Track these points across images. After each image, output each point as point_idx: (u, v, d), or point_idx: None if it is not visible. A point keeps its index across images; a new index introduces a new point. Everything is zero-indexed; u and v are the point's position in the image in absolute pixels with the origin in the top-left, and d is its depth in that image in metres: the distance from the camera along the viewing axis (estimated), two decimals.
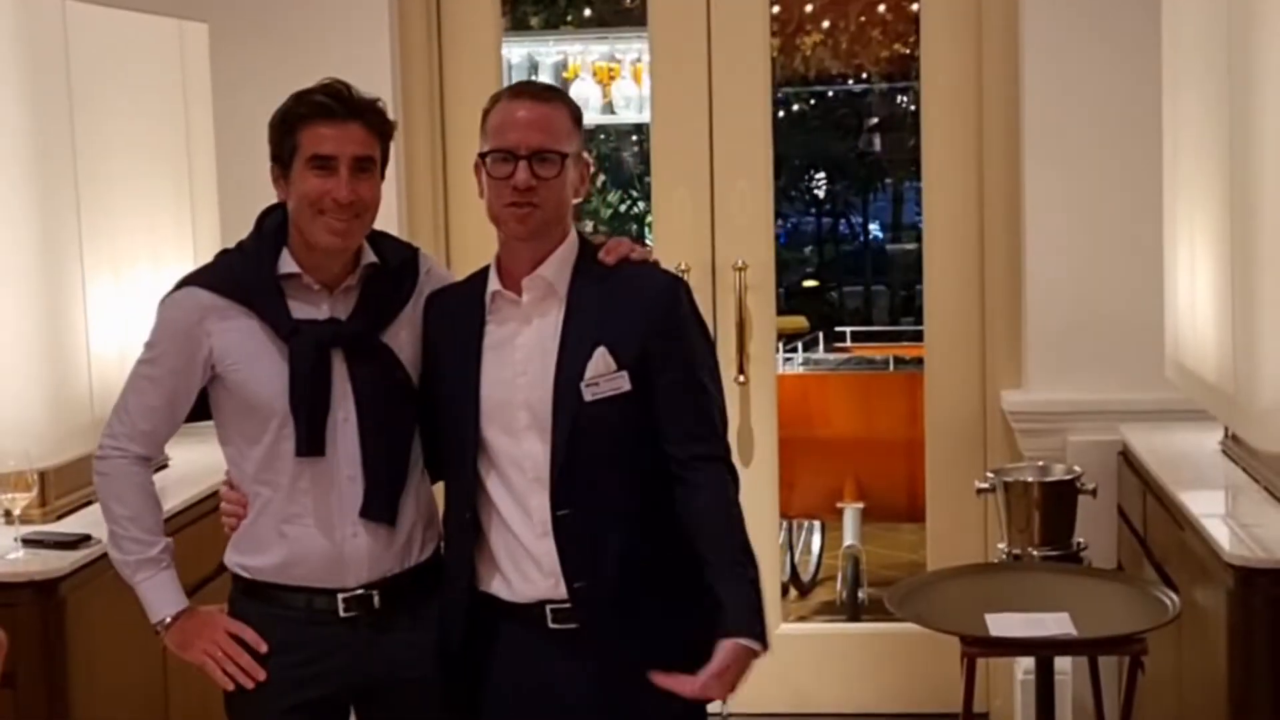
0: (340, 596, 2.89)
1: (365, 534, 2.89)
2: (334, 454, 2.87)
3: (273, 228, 2.92)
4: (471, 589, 2.87)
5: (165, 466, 4.11)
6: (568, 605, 2.80)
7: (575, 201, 2.90)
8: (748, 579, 2.77)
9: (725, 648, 2.72)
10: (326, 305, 2.90)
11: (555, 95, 2.90)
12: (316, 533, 2.88)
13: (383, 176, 2.91)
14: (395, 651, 2.92)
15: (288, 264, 2.89)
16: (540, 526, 2.81)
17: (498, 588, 2.86)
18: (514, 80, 6.39)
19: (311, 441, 2.85)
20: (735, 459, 2.90)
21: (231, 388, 2.89)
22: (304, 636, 2.90)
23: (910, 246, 11.81)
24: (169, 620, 2.91)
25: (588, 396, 2.79)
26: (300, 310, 2.88)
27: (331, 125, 2.82)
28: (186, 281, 2.95)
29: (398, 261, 2.98)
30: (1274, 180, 3.34)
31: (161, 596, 2.92)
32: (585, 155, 2.91)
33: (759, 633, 2.75)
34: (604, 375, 2.79)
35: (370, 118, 2.86)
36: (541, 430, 2.81)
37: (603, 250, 2.89)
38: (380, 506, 2.89)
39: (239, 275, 2.90)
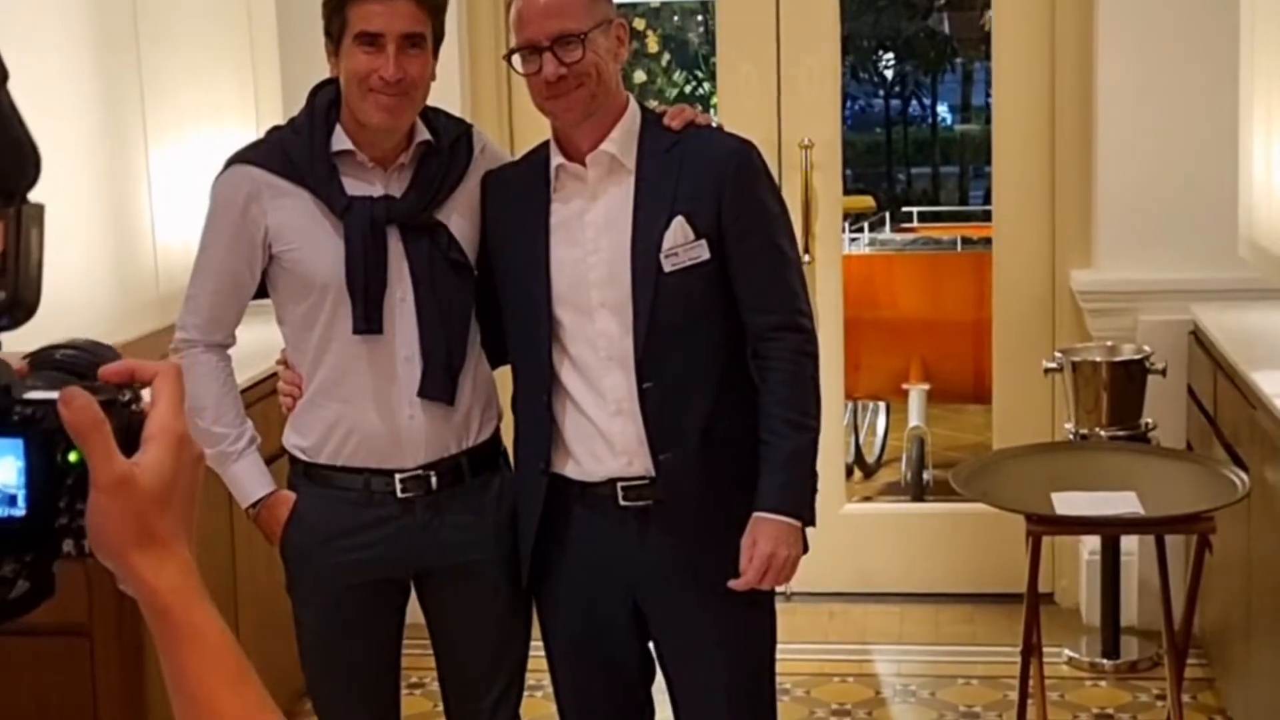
0: (398, 477, 2.88)
1: (422, 414, 2.87)
2: (391, 333, 2.85)
3: (325, 104, 2.87)
4: (546, 470, 2.86)
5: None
6: (640, 482, 2.80)
7: (618, 66, 2.83)
8: (789, 447, 2.76)
9: (751, 523, 2.75)
10: (380, 182, 2.86)
11: None
12: (373, 413, 2.87)
13: (436, 53, 2.85)
14: (453, 533, 2.92)
15: (341, 140, 2.85)
16: (614, 405, 2.79)
17: (568, 469, 2.85)
18: None
19: (370, 319, 2.82)
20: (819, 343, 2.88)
21: (287, 266, 2.87)
22: (362, 518, 2.89)
23: (978, 128, 11.69)
24: (260, 501, 2.91)
25: (667, 267, 2.75)
26: (354, 187, 2.84)
27: (379, 1, 2.74)
28: (237, 159, 2.91)
29: (451, 138, 2.93)
30: None
31: (250, 480, 2.91)
32: (616, 17, 2.81)
33: (791, 505, 2.76)
34: (683, 245, 2.76)
35: None
36: (615, 307, 2.78)
37: (667, 117, 2.85)
38: (438, 386, 2.86)
39: (291, 152, 2.86)
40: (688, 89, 9.40)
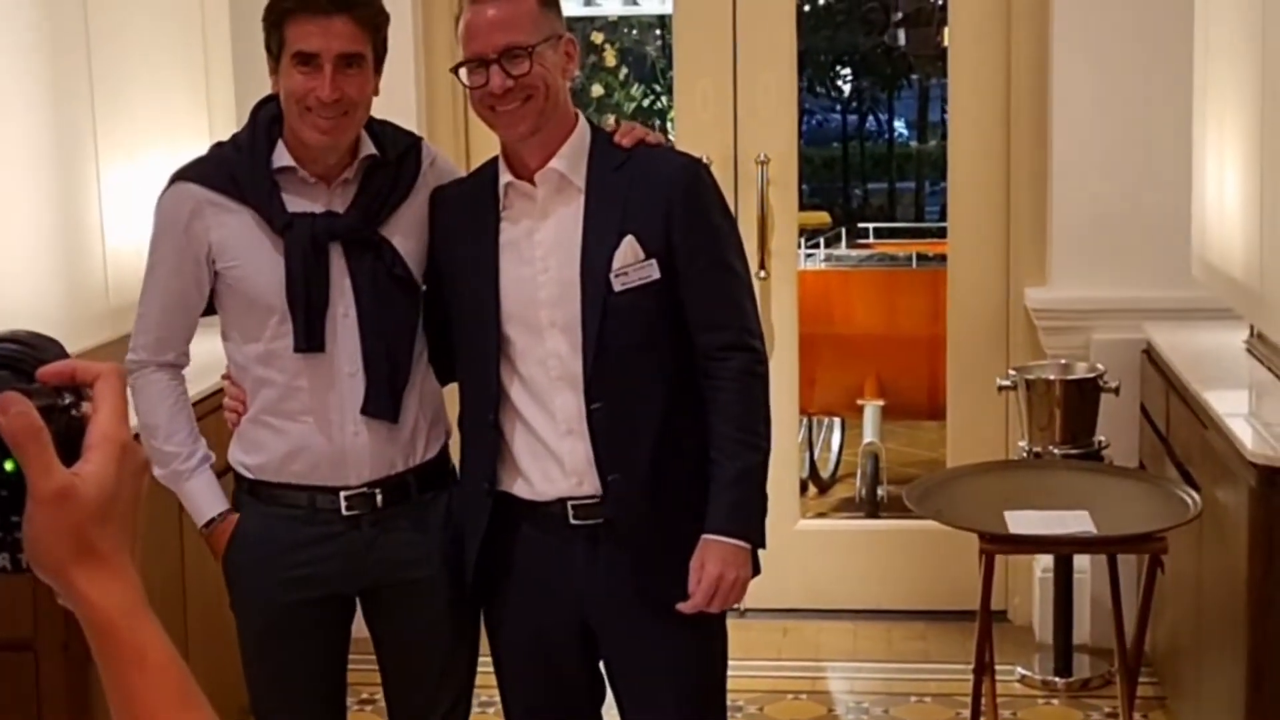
0: (343, 494, 2.86)
1: (367, 432, 2.85)
2: (334, 350, 2.82)
3: (267, 120, 2.84)
4: (491, 490, 2.84)
5: None
6: (590, 501, 2.78)
7: (567, 83, 2.82)
8: (738, 467, 2.75)
9: (700, 544, 2.74)
10: (324, 199, 2.83)
11: None
12: (316, 430, 2.85)
13: (379, 70, 2.82)
14: (398, 551, 2.90)
15: (282, 157, 2.81)
16: (564, 425, 2.78)
17: (518, 488, 2.83)
18: None
19: (310, 337, 2.80)
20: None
21: (230, 283, 2.84)
22: (306, 535, 2.88)
23: (934, 144, 11.73)
24: (213, 521, 2.89)
25: (617, 287, 2.74)
26: (296, 204, 2.81)
27: (315, 21, 2.70)
28: (179, 176, 2.88)
29: (398, 153, 2.90)
30: None
31: (203, 499, 2.89)
32: (566, 33, 2.80)
33: (739, 527, 2.75)
34: (632, 264, 2.74)
35: (359, 10, 2.74)
36: (565, 327, 2.76)
37: (617, 134, 2.84)
38: (382, 403, 2.84)
39: (233, 169, 2.83)
40: (645, 103, 9.39)
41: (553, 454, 2.79)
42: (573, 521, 2.79)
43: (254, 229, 2.81)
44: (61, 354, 1.08)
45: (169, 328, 2.88)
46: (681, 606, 2.73)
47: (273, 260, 2.80)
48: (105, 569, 1.04)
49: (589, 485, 2.78)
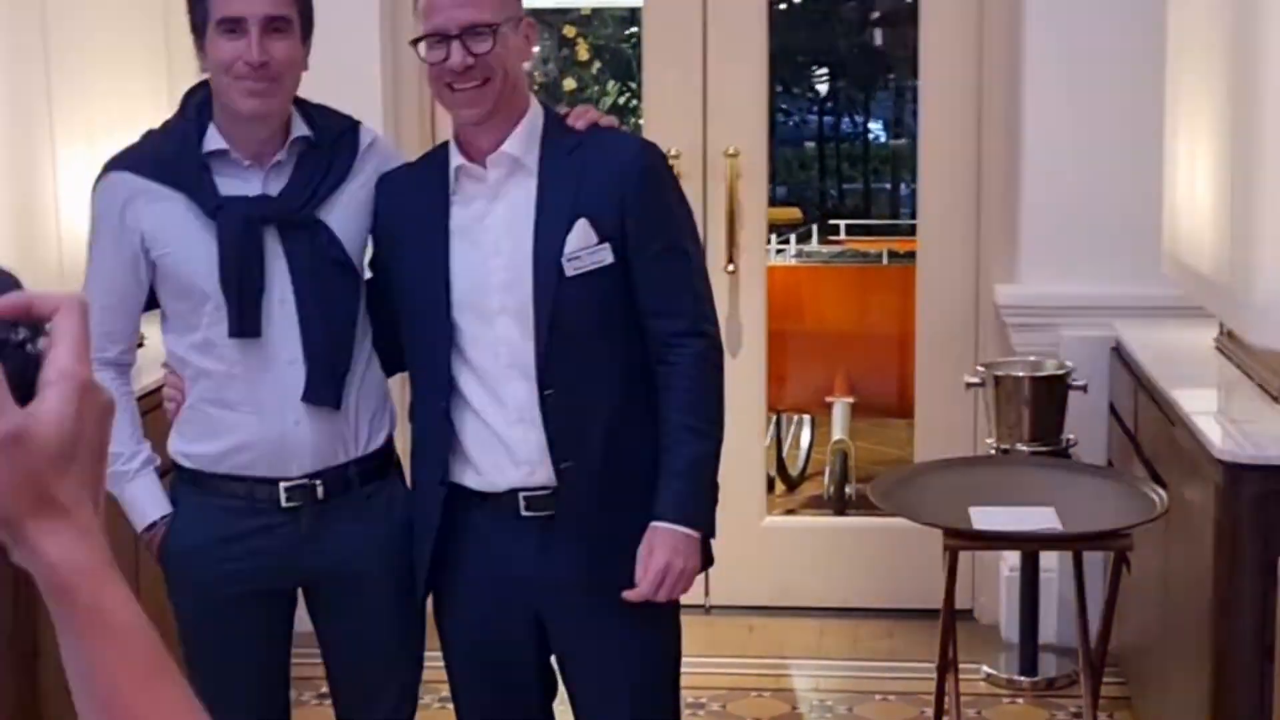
0: (282, 486, 2.80)
1: (308, 420, 2.79)
2: (272, 336, 2.76)
3: (198, 104, 2.79)
4: (443, 481, 2.79)
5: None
6: (542, 492, 2.74)
7: (525, 65, 2.79)
8: (688, 454, 2.71)
9: (649, 532, 2.70)
10: (257, 181, 2.77)
11: None
12: (256, 420, 2.78)
13: (307, 39, 2.77)
14: (340, 543, 2.84)
15: (214, 140, 2.76)
16: (515, 413, 2.73)
17: (468, 478, 2.79)
18: None
19: (245, 322, 2.74)
20: (724, 350, 2.83)
21: (165, 271, 2.78)
22: (246, 527, 2.82)
23: (910, 144, 11.72)
24: (156, 523, 2.83)
25: (569, 271, 2.69)
26: (230, 187, 2.75)
27: None
28: (111, 165, 2.82)
29: (333, 135, 2.84)
30: (1278, 75, 3.25)
31: (146, 501, 2.84)
32: (526, 17, 2.77)
33: (689, 515, 2.71)
34: (585, 249, 2.70)
35: None
36: (516, 313, 2.72)
37: (570, 117, 2.80)
38: (323, 390, 2.78)
39: (163, 154, 2.78)
40: (621, 99, 9.35)
41: (503, 443, 2.75)
42: (524, 513, 2.75)
43: (186, 215, 2.75)
44: (16, 286, 0.99)
45: (112, 322, 2.81)
46: (628, 594, 2.69)
47: (206, 246, 2.74)
48: (65, 522, 0.93)
49: (541, 475, 2.73)
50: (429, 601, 2.91)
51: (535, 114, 2.77)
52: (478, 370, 2.75)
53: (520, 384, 2.72)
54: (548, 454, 2.71)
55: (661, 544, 2.69)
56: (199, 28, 2.73)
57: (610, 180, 2.72)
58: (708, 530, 2.76)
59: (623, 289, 2.72)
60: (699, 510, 2.74)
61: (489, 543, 2.79)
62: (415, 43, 2.71)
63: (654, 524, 2.70)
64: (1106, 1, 4.64)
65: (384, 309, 2.85)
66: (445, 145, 2.81)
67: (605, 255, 2.70)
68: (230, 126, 2.76)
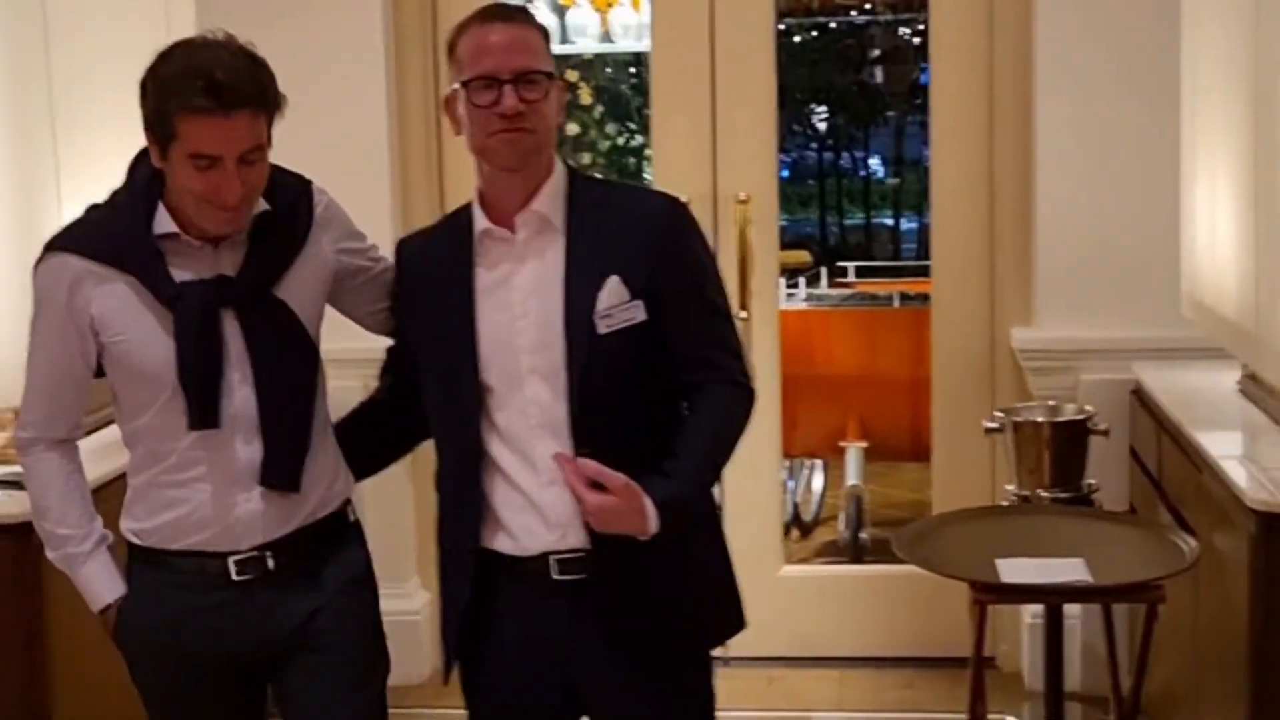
0: (231, 560, 2.71)
1: (261, 499, 2.70)
2: (230, 418, 2.67)
3: (145, 179, 2.64)
4: (474, 548, 2.73)
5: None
6: (575, 555, 2.67)
7: (557, 126, 2.74)
8: (695, 472, 2.65)
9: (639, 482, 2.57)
10: (210, 262, 2.64)
11: (526, 16, 2.71)
12: (210, 501, 2.69)
13: (269, 130, 2.60)
14: (295, 610, 2.75)
15: (165, 223, 2.62)
16: (547, 475, 2.66)
17: (499, 543, 2.72)
18: None
19: (206, 415, 2.64)
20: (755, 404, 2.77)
21: (117, 356, 2.67)
22: (199, 603, 2.72)
23: (910, 180, 11.74)
24: (111, 605, 2.76)
25: (601, 329, 2.64)
26: (183, 270, 2.63)
27: (214, 121, 2.49)
28: (54, 246, 2.68)
29: (289, 201, 2.72)
30: None
31: (100, 583, 2.76)
32: (560, 79, 2.73)
33: (665, 510, 2.57)
34: (618, 306, 2.65)
35: (255, 103, 2.53)
36: (547, 373, 2.66)
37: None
38: (282, 473, 2.69)
39: (111, 235, 2.65)
40: (620, 140, 9.32)
41: (534, 506, 2.69)
42: (555, 577, 2.69)
43: (137, 300, 2.63)
44: None
45: (58, 403, 2.74)
46: (565, 477, 2.57)
47: (160, 333, 2.63)
48: None
49: (573, 538, 2.67)
50: (454, 673, 2.84)
51: (560, 173, 2.74)
52: (505, 433, 2.70)
53: (551, 445, 2.66)
54: (580, 517, 2.64)
55: (626, 484, 2.55)
56: (158, 136, 2.55)
57: (640, 237, 2.68)
58: (666, 530, 2.61)
59: (654, 345, 2.68)
60: (676, 517, 2.60)
61: (519, 608, 2.73)
62: (465, 84, 2.64)
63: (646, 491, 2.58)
64: (1119, 40, 4.60)
65: (408, 379, 2.80)
66: (467, 208, 2.76)
67: (637, 313, 2.66)
68: (184, 213, 2.61)
